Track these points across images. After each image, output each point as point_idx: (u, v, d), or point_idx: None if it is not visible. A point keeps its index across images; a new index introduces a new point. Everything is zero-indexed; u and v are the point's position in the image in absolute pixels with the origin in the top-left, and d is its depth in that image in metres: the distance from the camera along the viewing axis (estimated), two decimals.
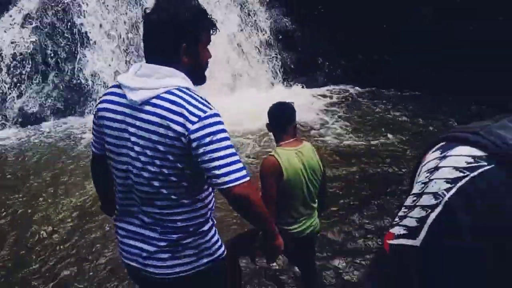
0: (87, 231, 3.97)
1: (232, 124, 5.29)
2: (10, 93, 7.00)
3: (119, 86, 1.70)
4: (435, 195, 0.59)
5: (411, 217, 0.61)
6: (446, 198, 0.57)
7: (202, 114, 1.56)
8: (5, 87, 6.99)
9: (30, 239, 3.89)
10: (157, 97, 1.59)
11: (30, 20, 7.27)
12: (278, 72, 8.50)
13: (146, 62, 1.67)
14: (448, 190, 0.57)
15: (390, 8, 7.68)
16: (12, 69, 7.01)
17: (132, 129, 1.63)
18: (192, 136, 1.55)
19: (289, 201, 2.45)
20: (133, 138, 1.63)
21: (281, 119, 2.51)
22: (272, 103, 2.61)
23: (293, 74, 8.56)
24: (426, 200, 0.60)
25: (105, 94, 1.77)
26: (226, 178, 1.56)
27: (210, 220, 1.79)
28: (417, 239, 0.59)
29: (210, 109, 1.59)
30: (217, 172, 1.56)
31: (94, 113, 1.80)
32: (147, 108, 1.59)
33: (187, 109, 1.56)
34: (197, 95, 1.62)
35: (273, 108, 2.56)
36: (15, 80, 7.03)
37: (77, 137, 6.33)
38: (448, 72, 6.97)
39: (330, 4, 8.12)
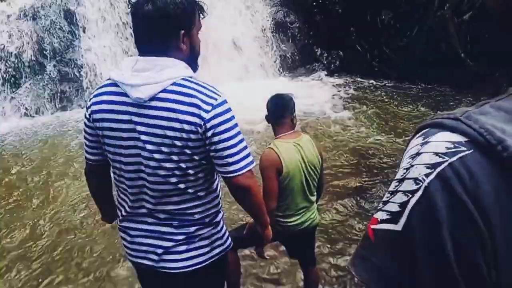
0: (83, 231, 3.88)
1: (244, 120, 5.00)
2: (6, 86, 6.93)
3: (113, 84, 1.62)
4: (416, 180, 0.60)
5: (393, 202, 0.62)
6: (425, 183, 0.58)
7: (214, 102, 1.55)
8: (0, 79, 6.91)
9: (20, 241, 3.77)
10: (164, 90, 1.53)
11: (26, 10, 7.22)
12: (286, 64, 8.43)
13: (141, 55, 1.61)
14: (428, 175, 0.58)
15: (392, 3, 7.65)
16: (8, 61, 6.94)
17: (140, 128, 1.56)
18: (208, 125, 1.54)
19: (288, 194, 2.45)
20: (143, 137, 1.57)
21: (278, 111, 2.51)
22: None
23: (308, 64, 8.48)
24: (408, 185, 0.61)
25: (97, 95, 1.65)
26: (236, 166, 1.59)
27: (221, 210, 1.81)
28: (398, 224, 0.60)
29: (219, 96, 1.59)
30: (229, 160, 1.58)
31: (86, 116, 1.68)
32: (155, 103, 1.53)
33: (200, 99, 1.54)
34: (203, 82, 1.61)
35: (270, 100, 2.56)
36: (11, 72, 6.95)
37: (75, 132, 6.16)
38: (450, 70, 6.94)
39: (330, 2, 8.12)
